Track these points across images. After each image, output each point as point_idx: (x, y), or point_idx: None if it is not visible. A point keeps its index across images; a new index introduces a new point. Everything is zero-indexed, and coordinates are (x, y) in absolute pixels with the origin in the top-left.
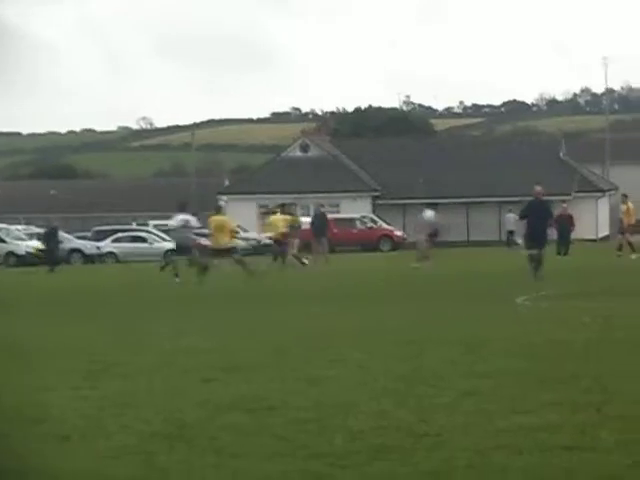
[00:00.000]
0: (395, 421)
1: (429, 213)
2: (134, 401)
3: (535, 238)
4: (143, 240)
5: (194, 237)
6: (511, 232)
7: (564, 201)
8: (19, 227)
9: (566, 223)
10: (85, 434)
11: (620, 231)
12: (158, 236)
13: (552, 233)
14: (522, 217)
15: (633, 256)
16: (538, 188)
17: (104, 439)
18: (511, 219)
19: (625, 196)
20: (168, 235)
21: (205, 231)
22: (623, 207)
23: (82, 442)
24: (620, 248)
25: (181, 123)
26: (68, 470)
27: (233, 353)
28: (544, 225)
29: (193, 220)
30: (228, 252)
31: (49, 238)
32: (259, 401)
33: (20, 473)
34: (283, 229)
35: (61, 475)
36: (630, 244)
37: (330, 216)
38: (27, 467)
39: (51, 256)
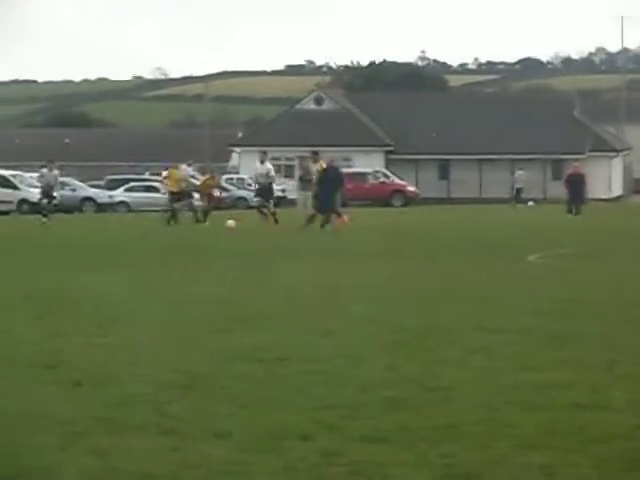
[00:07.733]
0: (405, 374)
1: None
2: (146, 350)
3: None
4: (156, 190)
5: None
6: (519, 189)
7: (577, 160)
8: (32, 175)
9: (578, 182)
10: (96, 381)
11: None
12: None
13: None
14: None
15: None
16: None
17: (115, 387)
18: (522, 177)
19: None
20: None
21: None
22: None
23: (93, 389)
24: None
25: (195, 74)
26: (80, 416)
27: (245, 304)
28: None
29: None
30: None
31: None
32: (270, 351)
33: (31, 417)
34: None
35: (73, 421)
36: None
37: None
38: (38, 413)
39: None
